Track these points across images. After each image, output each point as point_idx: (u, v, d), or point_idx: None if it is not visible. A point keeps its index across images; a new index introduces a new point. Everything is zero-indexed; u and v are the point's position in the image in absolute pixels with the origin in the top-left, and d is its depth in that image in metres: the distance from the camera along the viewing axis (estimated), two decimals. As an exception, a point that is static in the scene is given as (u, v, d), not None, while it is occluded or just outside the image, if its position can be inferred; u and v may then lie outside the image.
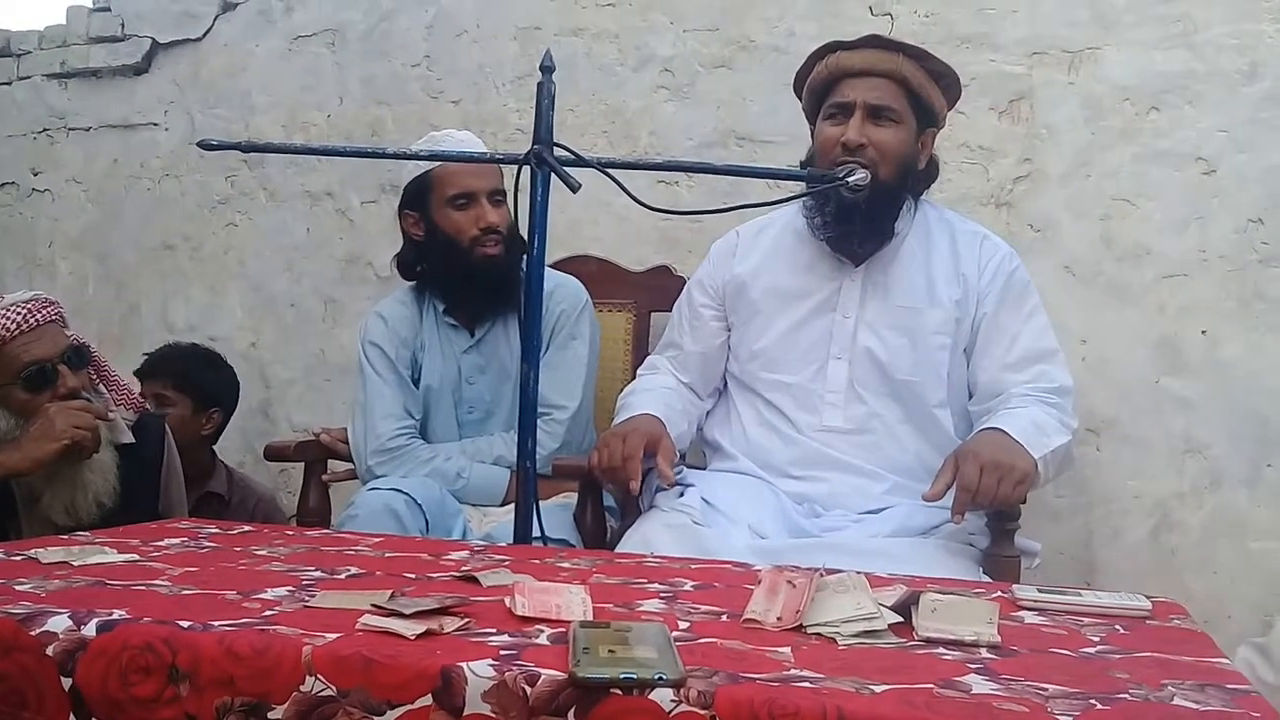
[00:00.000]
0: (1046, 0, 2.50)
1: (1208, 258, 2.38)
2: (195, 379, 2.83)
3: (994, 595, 1.28)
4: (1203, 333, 2.38)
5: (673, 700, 0.88)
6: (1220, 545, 2.35)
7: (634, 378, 2.55)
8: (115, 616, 1.06)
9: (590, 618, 1.10)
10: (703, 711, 0.87)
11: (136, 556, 1.40)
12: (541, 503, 1.81)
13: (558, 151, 1.72)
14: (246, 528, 1.73)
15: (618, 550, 1.84)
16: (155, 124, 3.42)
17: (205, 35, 3.35)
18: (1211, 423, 2.37)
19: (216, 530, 1.67)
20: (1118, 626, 1.19)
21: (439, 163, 2.26)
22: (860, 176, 1.77)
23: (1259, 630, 2.18)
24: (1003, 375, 2.02)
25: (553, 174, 1.71)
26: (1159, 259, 2.41)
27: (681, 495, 1.95)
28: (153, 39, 3.40)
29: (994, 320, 2.05)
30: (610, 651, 0.95)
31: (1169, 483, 2.39)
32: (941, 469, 1.81)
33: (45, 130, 3.58)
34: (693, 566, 1.49)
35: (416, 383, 2.36)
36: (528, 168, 1.73)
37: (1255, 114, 2.35)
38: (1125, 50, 2.44)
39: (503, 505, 2.21)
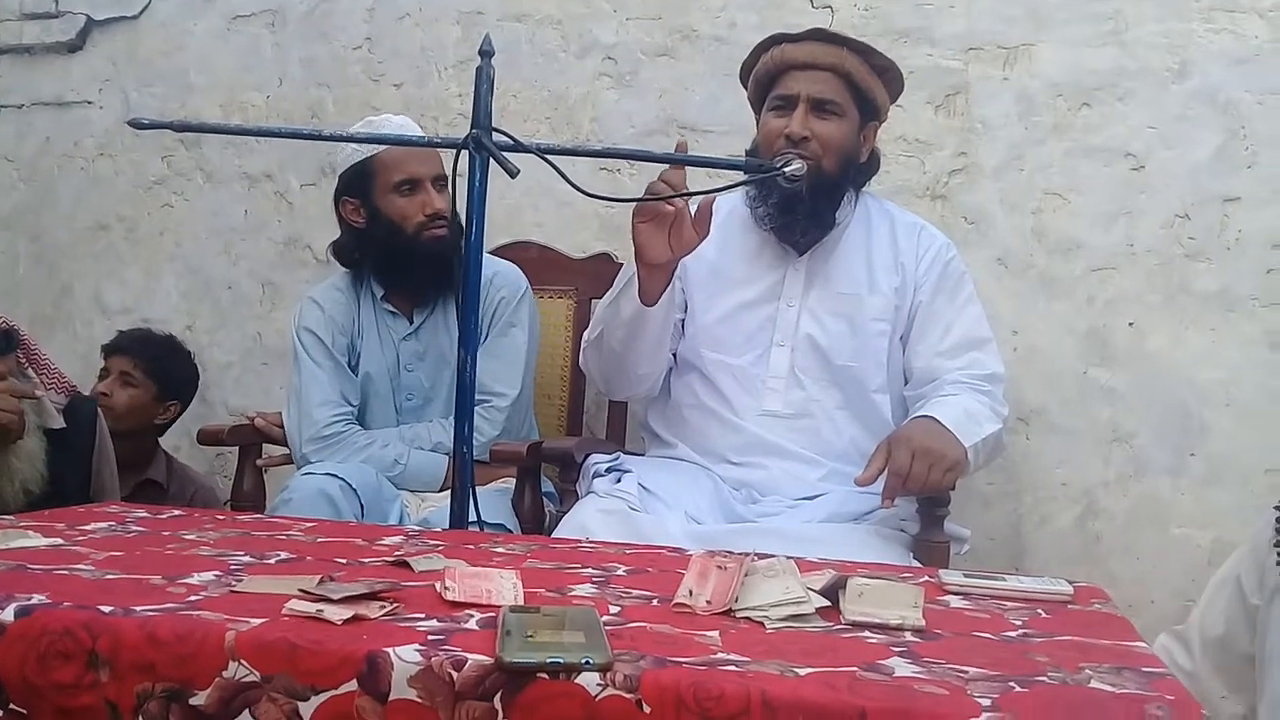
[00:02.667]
0: (983, -4, 2.54)
1: (1135, 252, 2.43)
2: (165, 366, 2.83)
3: (921, 580, 1.30)
4: (1130, 325, 2.44)
5: (599, 684, 0.88)
6: (1144, 532, 2.41)
7: (574, 364, 2.56)
8: (34, 601, 1.04)
9: (521, 602, 1.10)
10: (628, 695, 0.88)
11: (60, 540, 1.37)
12: (480, 488, 1.81)
13: (497, 137, 1.72)
14: (176, 511, 1.71)
15: (554, 535, 1.85)
16: (90, 102, 3.34)
17: (142, 13, 3.27)
18: (1137, 413, 2.43)
19: (145, 514, 1.64)
20: (1040, 611, 1.22)
21: (379, 149, 2.24)
22: (797, 167, 1.79)
23: (1181, 614, 2.24)
24: (936, 361, 2.05)
25: (491, 159, 1.70)
26: (1088, 252, 2.46)
27: (619, 481, 1.96)
28: (88, 16, 3.32)
29: (929, 308, 2.08)
30: (538, 636, 0.95)
31: (1095, 471, 2.45)
32: (874, 454, 1.85)
33: (-25, 107, 3.49)
34: (627, 552, 1.50)
35: (355, 370, 2.35)
36: (466, 152, 1.72)
37: (1184, 111, 2.40)
38: (1058, 47, 2.49)
39: (441, 491, 2.21)
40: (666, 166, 1.86)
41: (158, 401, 2.81)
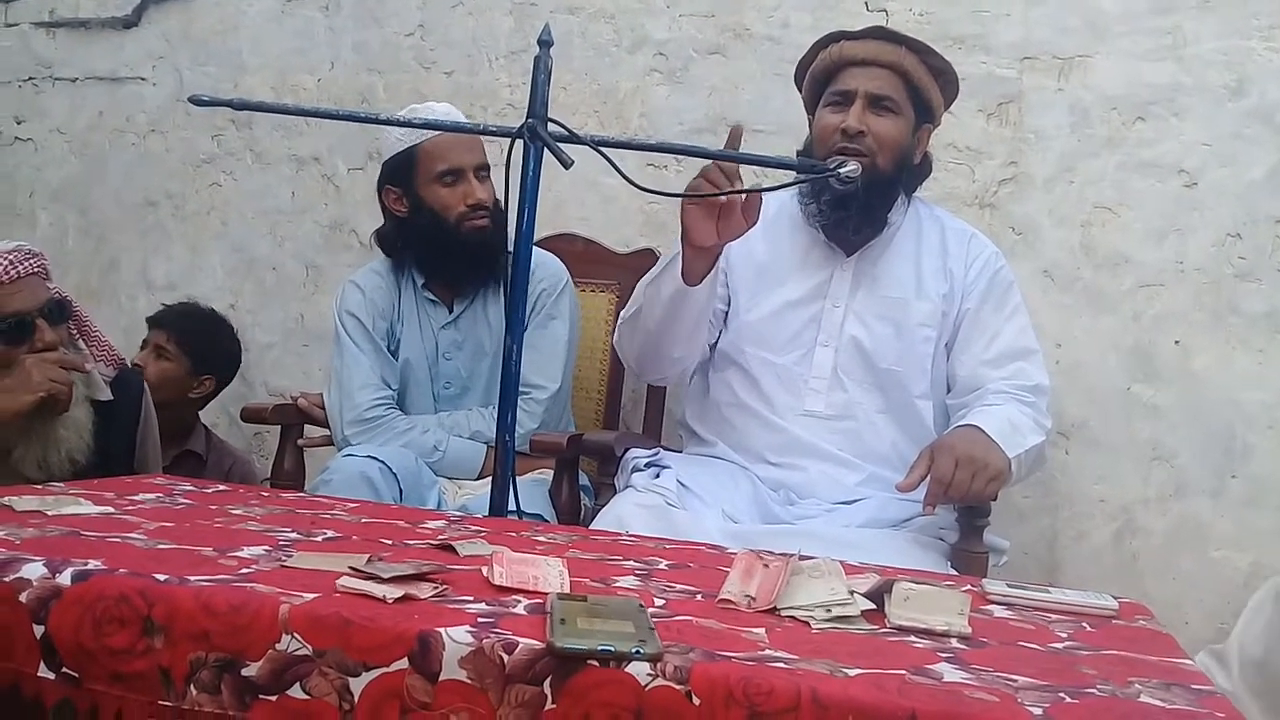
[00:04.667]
0: (1040, 6, 2.52)
1: (1184, 269, 2.41)
2: (198, 341, 2.85)
3: (964, 588, 1.29)
4: (1176, 343, 2.41)
5: (649, 674, 0.89)
6: (1181, 552, 2.39)
7: (614, 358, 2.56)
8: (90, 567, 1.05)
9: (567, 590, 1.11)
10: (678, 686, 0.88)
11: (111, 509, 1.39)
12: (518, 477, 1.82)
13: (551, 127, 1.72)
14: (222, 486, 1.73)
15: (592, 527, 1.85)
16: (143, 78, 3.38)
17: (197, -9, 3.32)
18: (1179, 432, 2.41)
19: (192, 488, 1.66)
20: (1085, 624, 1.21)
21: (423, 138, 2.24)
22: (852, 168, 1.78)
23: (1216, 637, 2.21)
24: (981, 370, 2.04)
25: (545, 150, 1.71)
26: (1137, 268, 2.44)
27: (657, 477, 1.96)
28: (144, -8, 3.37)
29: (976, 316, 2.08)
30: (587, 624, 0.95)
31: (1134, 488, 2.43)
32: (916, 460, 1.84)
33: (31, 79, 3.52)
34: (667, 546, 1.50)
35: (394, 355, 2.36)
36: (519, 142, 1.72)
37: (1239, 129, 2.38)
38: (1115, 60, 2.46)
39: (478, 479, 2.22)
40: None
41: (191, 375, 2.83)
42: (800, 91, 2.18)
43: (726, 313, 2.16)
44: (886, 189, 2.06)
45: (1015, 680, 0.93)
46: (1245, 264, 2.37)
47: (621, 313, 2.17)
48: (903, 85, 2.04)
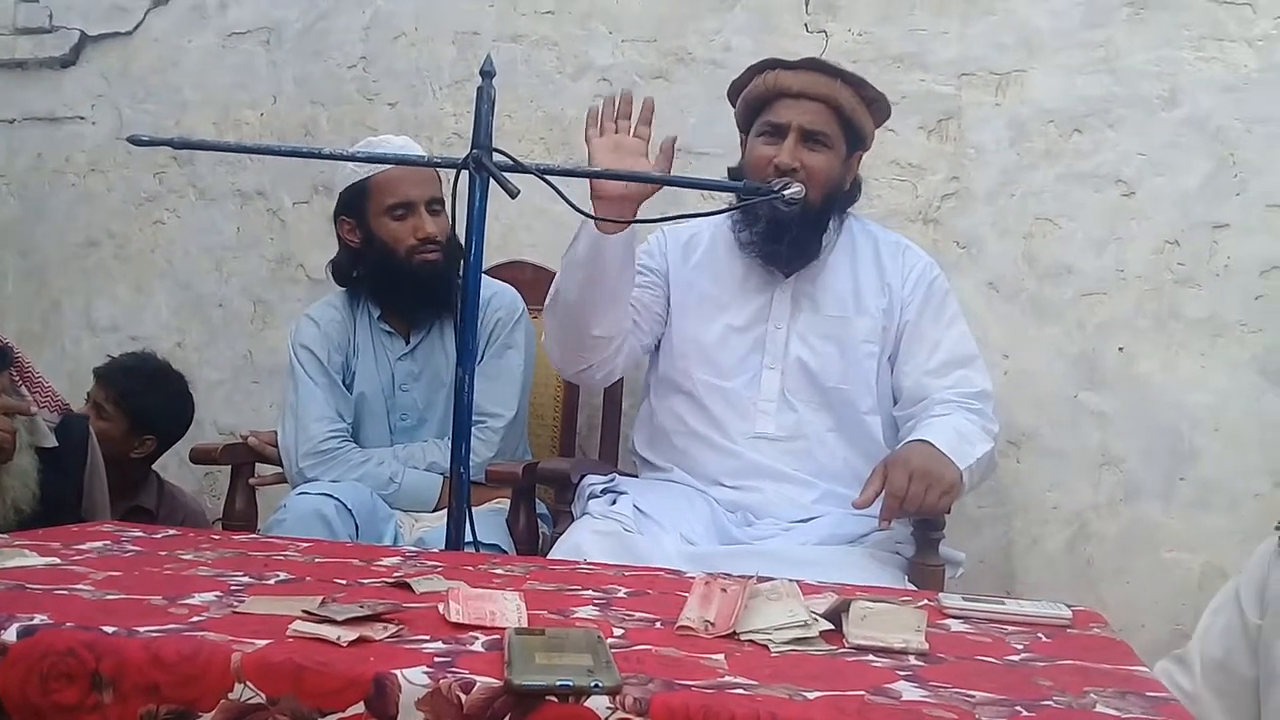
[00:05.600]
0: (976, 23, 2.56)
1: (1126, 277, 2.45)
2: (140, 401, 2.67)
3: (921, 603, 1.30)
4: (1120, 349, 2.45)
5: (608, 707, 0.88)
6: (1134, 555, 2.42)
7: (567, 384, 2.56)
8: (36, 621, 1.03)
9: (525, 624, 1.10)
10: (638, 718, 0.87)
11: (57, 560, 1.36)
12: (474, 508, 1.81)
13: (496, 157, 1.72)
14: (171, 531, 1.70)
15: (550, 557, 1.84)
16: (82, 118, 3.33)
17: (136, 29, 3.27)
18: (1127, 436, 2.44)
19: (140, 534, 1.63)
20: (1040, 635, 1.22)
21: (376, 171, 2.24)
22: (796, 190, 1.80)
23: (1171, 638, 2.25)
24: (925, 381, 2.07)
25: (491, 179, 1.71)
26: (1079, 277, 2.48)
27: (614, 503, 1.96)
28: (81, 31, 3.32)
29: (916, 328, 2.10)
30: (545, 658, 0.95)
31: (1086, 494, 2.46)
32: (871, 477, 1.85)
33: (-34, 121, 3.47)
34: (626, 574, 1.49)
35: (350, 388, 2.34)
36: (466, 172, 1.72)
37: (1174, 138, 2.43)
38: (1050, 74, 2.51)
39: (435, 511, 2.21)
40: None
41: (132, 434, 2.66)
42: (734, 109, 2.19)
43: (665, 324, 2.17)
44: (817, 220, 2.08)
45: (973, 696, 0.93)
46: (1184, 270, 2.42)
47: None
48: (835, 119, 2.05)
